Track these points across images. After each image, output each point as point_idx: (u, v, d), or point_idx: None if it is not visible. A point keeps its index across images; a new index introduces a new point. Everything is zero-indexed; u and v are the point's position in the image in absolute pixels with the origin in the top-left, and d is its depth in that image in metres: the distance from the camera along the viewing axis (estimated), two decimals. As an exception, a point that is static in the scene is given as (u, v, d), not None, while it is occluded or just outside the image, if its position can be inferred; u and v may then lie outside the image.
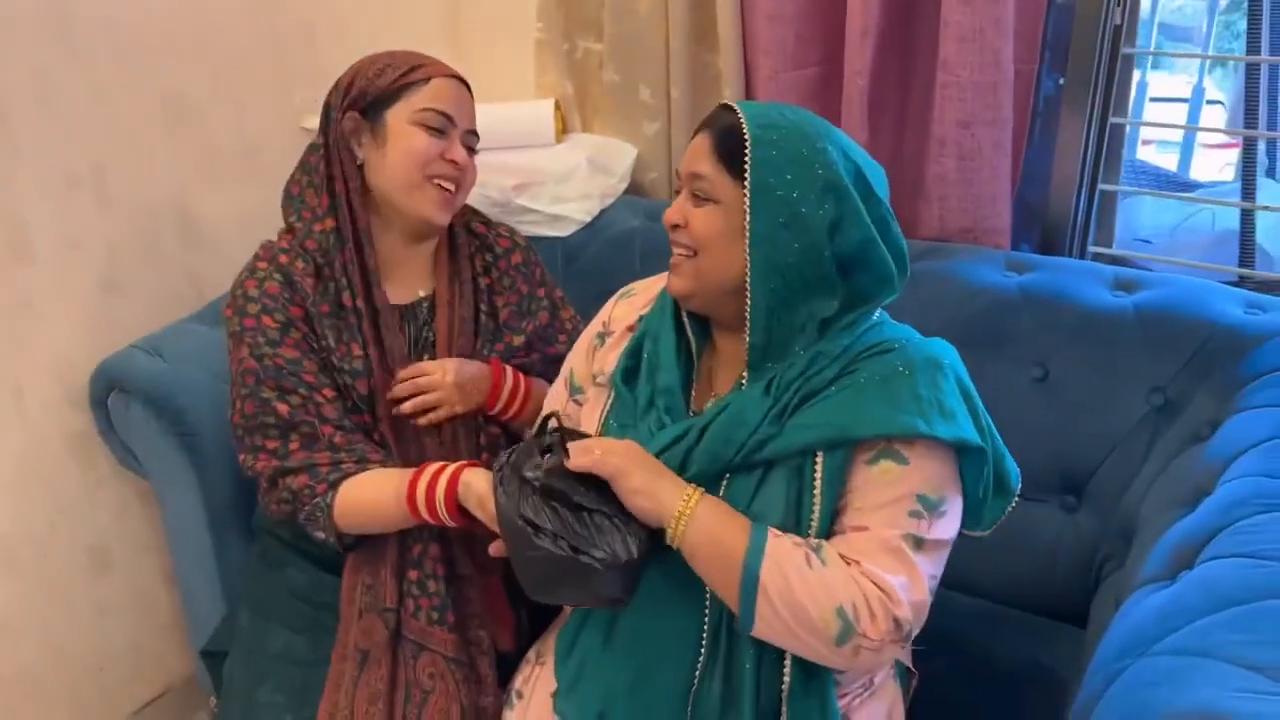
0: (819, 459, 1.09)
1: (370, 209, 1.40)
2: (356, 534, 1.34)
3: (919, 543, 1.06)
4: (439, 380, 1.37)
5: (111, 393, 1.66)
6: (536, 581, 1.12)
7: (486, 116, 2.03)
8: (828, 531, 1.10)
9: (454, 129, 1.39)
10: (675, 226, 1.16)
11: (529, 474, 1.11)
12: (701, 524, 1.07)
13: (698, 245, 1.13)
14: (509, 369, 1.45)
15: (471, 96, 1.44)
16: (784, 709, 1.13)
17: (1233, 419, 1.37)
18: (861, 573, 1.04)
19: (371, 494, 1.30)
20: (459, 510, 1.25)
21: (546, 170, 1.99)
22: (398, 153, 1.36)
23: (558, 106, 2.09)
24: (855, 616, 1.03)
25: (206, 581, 1.69)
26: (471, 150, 1.43)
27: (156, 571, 1.94)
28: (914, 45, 1.78)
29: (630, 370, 1.23)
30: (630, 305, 1.32)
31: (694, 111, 1.97)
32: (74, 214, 1.69)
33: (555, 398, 1.36)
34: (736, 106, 1.13)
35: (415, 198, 1.37)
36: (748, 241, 1.09)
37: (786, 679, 1.13)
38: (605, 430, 1.22)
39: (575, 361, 1.34)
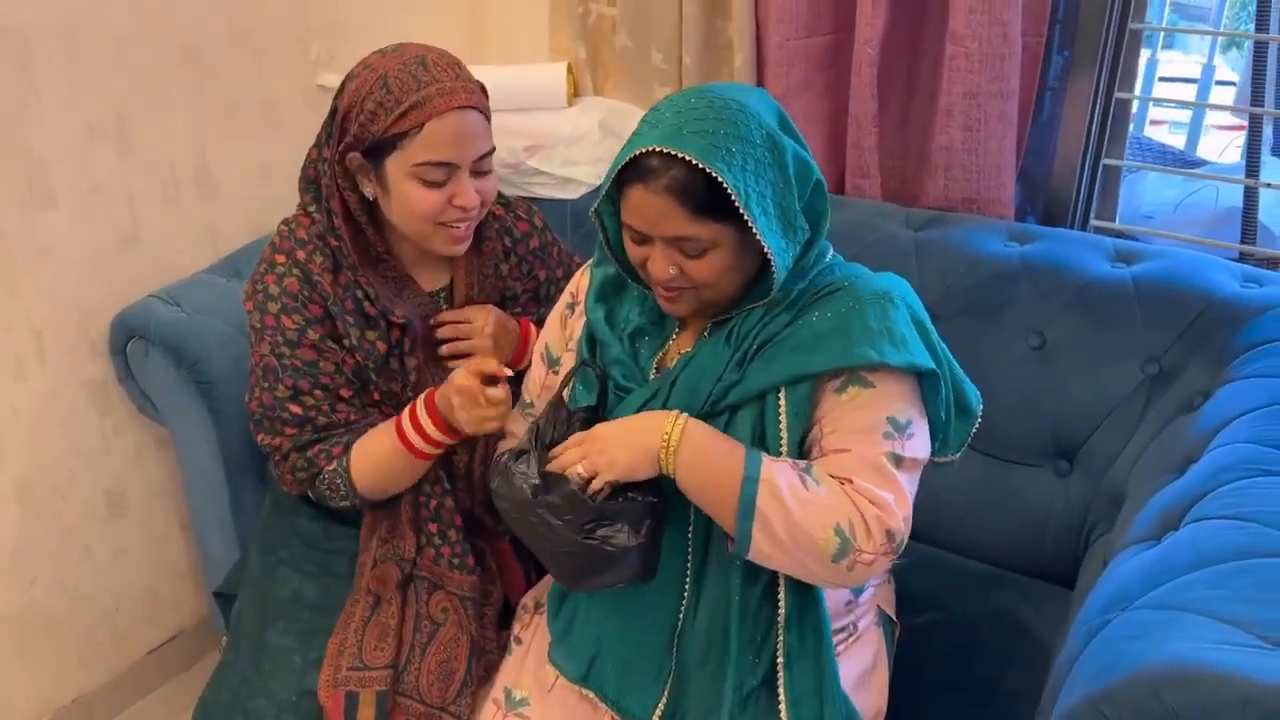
0: (781, 395, 1.14)
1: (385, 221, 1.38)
2: (378, 497, 1.37)
3: (899, 460, 1.12)
4: (479, 328, 1.42)
5: (131, 340, 1.69)
6: (572, 575, 1.19)
7: (500, 78, 2.05)
8: (799, 458, 1.15)
9: (459, 170, 1.30)
10: (672, 276, 1.13)
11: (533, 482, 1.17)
12: (689, 457, 1.11)
13: (702, 283, 1.14)
14: (534, 330, 1.48)
15: (482, 111, 1.31)
16: (780, 638, 1.17)
17: (1224, 389, 1.40)
18: (855, 489, 1.09)
19: (375, 444, 1.34)
20: (445, 424, 1.30)
21: (558, 133, 2.01)
22: (401, 206, 1.31)
23: (570, 70, 2.11)
24: (852, 532, 1.07)
25: (220, 526, 1.73)
26: (486, 172, 1.34)
27: (171, 516, 1.98)
28: (924, 16, 1.79)
29: (591, 340, 1.27)
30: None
31: (705, 77, 1.99)
32: (95, 162, 1.72)
33: (533, 378, 1.39)
34: (662, 149, 1.06)
35: (429, 242, 1.35)
36: (763, 242, 1.09)
37: (781, 610, 1.17)
38: (574, 393, 1.26)
39: (549, 335, 1.37)
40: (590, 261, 1.34)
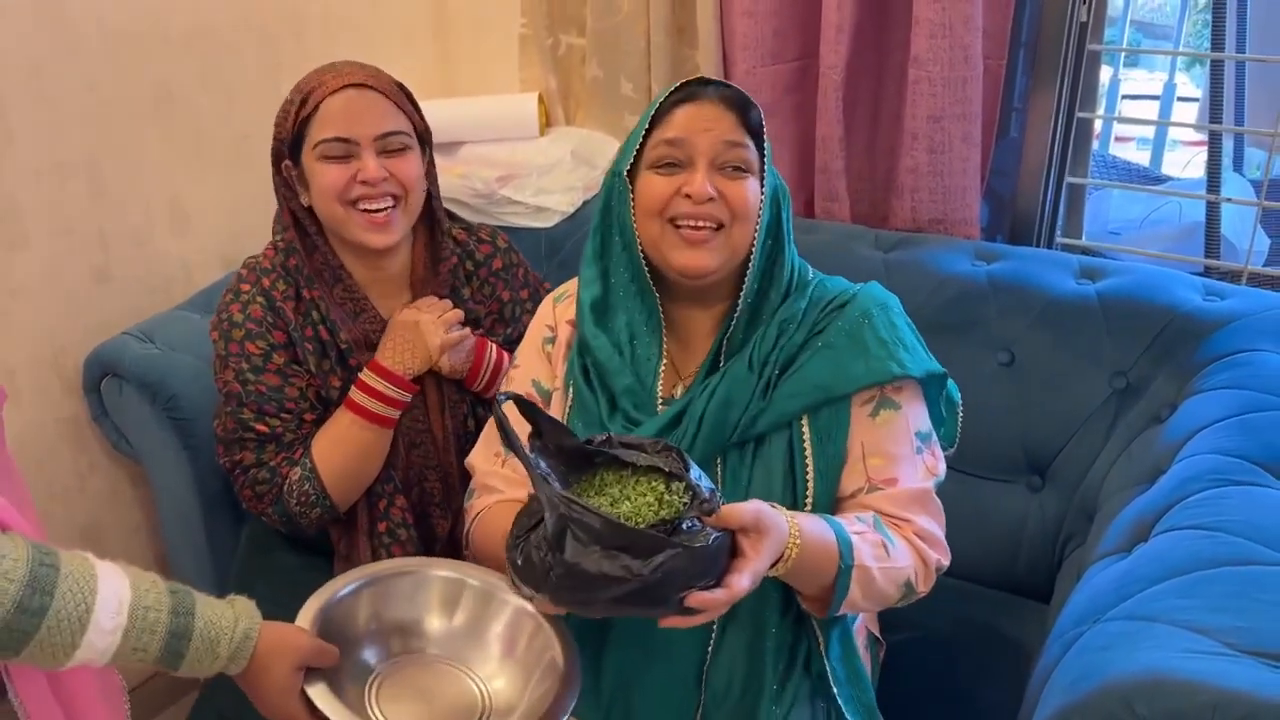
0: (805, 422, 1.16)
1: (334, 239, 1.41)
2: (348, 490, 1.37)
3: (939, 484, 1.18)
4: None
5: (105, 378, 1.69)
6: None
7: (472, 109, 2.08)
8: (833, 483, 1.17)
9: (359, 146, 1.33)
10: (710, 200, 1.13)
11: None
12: (804, 555, 1.06)
13: (735, 217, 1.14)
14: (492, 345, 1.48)
15: (383, 92, 1.34)
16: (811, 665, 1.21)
17: (1189, 400, 1.42)
18: (914, 532, 1.14)
19: (334, 429, 1.38)
20: (395, 375, 1.37)
21: (530, 163, 2.02)
22: (316, 194, 1.35)
23: (541, 100, 2.13)
24: (915, 581, 1.14)
25: (197, 562, 1.72)
26: (396, 151, 1.35)
27: (148, 553, 1.96)
28: (887, 41, 1.83)
29: (586, 370, 1.22)
30: (568, 306, 1.29)
31: (675, 105, 2.02)
32: (67, 202, 1.72)
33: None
34: (713, 78, 1.19)
35: (348, 229, 1.35)
36: (764, 201, 1.15)
37: (820, 641, 1.19)
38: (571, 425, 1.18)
39: (535, 371, 1.28)
40: (555, 293, 1.32)
